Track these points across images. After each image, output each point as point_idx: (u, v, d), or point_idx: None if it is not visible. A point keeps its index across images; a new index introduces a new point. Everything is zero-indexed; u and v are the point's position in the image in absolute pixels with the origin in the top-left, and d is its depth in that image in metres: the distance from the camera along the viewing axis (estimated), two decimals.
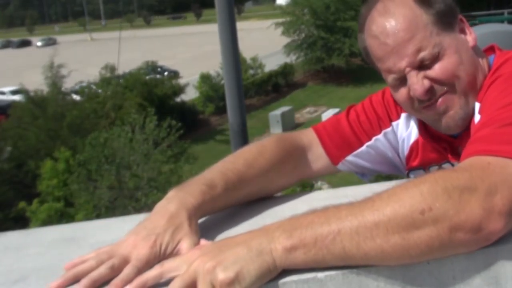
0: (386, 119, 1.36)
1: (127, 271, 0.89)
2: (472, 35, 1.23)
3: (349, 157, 1.36)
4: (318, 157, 1.35)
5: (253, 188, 1.19)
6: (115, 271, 0.90)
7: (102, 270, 0.89)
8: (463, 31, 1.23)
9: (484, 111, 1.07)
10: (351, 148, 1.35)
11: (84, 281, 0.87)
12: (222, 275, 0.80)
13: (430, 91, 1.17)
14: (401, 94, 1.22)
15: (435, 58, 1.16)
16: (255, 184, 1.19)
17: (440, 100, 1.19)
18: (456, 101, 1.18)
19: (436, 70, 1.16)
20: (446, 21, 1.19)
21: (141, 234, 0.95)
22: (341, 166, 1.37)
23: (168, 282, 0.84)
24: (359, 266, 0.85)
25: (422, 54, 1.15)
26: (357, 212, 0.83)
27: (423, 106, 1.21)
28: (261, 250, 0.83)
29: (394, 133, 1.36)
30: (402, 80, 1.20)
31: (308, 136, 1.36)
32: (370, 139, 1.35)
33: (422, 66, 1.17)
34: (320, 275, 0.84)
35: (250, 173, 1.17)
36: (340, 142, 1.35)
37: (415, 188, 0.84)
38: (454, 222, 0.81)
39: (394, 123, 1.36)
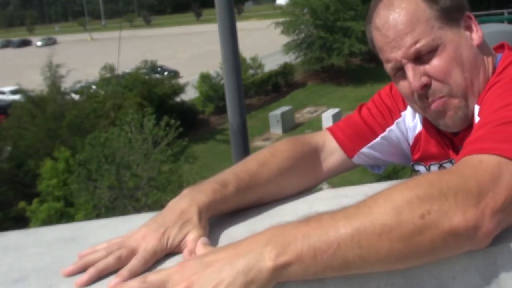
0: (396, 110, 1.37)
1: (134, 261, 0.91)
2: (478, 33, 1.23)
3: (364, 149, 1.36)
4: (332, 152, 1.35)
5: (268, 188, 1.18)
6: (122, 262, 0.91)
7: (110, 260, 0.91)
8: (469, 28, 1.23)
9: (482, 114, 1.07)
10: (365, 140, 1.36)
11: (91, 270, 0.90)
12: None
13: (427, 86, 1.18)
14: (402, 87, 1.24)
15: (433, 52, 1.17)
16: (270, 184, 1.18)
17: (437, 102, 1.19)
18: (454, 104, 1.19)
19: (434, 65, 1.17)
20: (451, 16, 1.19)
21: (151, 227, 0.98)
22: (356, 159, 1.37)
23: None
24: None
25: (418, 45, 1.16)
26: (354, 220, 0.81)
27: (423, 103, 1.21)
28: (248, 272, 0.79)
29: (404, 123, 1.37)
30: (400, 71, 1.21)
31: (321, 135, 1.38)
32: (384, 130, 1.36)
33: (419, 58, 1.18)
34: None
35: (263, 172, 1.18)
36: (353, 135, 1.36)
37: (411, 192, 0.83)
38: (453, 224, 0.81)
39: (403, 113, 1.37)
